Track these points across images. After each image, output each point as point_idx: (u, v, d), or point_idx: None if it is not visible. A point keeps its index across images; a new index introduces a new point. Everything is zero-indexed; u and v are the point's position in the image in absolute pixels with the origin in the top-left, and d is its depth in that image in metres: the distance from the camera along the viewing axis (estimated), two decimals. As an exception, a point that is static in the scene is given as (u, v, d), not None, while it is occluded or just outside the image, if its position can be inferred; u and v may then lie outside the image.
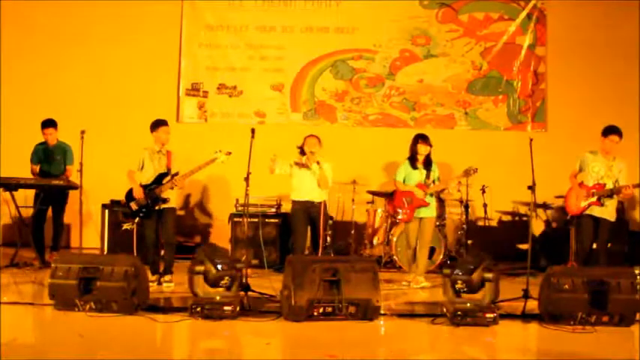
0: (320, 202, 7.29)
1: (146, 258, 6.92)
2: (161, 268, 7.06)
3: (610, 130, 6.92)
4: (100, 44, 9.67)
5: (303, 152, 7.41)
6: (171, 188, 6.96)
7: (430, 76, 9.70)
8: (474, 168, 7.22)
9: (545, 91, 9.62)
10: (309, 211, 7.33)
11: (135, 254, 7.43)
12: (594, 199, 6.87)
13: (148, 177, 7.02)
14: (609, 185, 6.86)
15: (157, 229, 7.06)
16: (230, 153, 6.98)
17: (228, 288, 5.75)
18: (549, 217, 9.00)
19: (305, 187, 7.32)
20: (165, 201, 6.98)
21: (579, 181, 7.04)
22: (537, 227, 8.93)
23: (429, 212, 7.27)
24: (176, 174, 6.98)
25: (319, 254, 7.22)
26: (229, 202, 8.65)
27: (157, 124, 7.11)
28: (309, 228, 7.42)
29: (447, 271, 5.80)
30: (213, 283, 5.72)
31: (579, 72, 9.45)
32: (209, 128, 9.69)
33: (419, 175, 7.22)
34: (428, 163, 7.25)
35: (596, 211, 6.91)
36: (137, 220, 7.10)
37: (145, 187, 6.97)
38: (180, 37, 9.82)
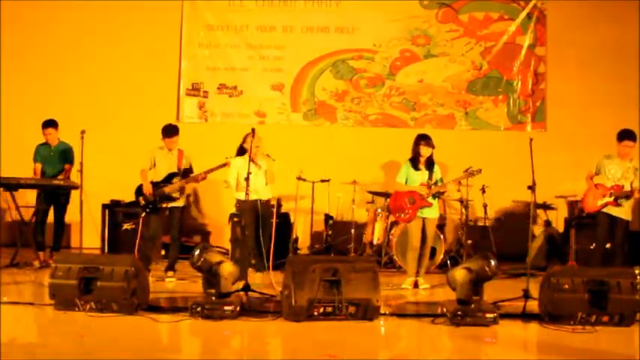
0: (267, 200, 7.29)
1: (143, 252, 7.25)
2: (165, 265, 7.41)
3: (623, 135, 7.04)
4: (100, 44, 9.68)
5: (244, 151, 7.16)
6: (197, 181, 7.35)
7: (430, 76, 9.71)
8: (477, 169, 7.20)
9: (545, 91, 9.62)
10: (257, 210, 7.05)
11: (136, 252, 7.48)
12: (611, 199, 6.96)
13: (159, 175, 7.35)
14: (627, 187, 6.95)
15: (159, 226, 7.37)
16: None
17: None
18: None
19: (251, 186, 6.63)
20: (172, 199, 7.28)
21: (596, 183, 7.13)
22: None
23: (432, 213, 7.23)
24: (189, 173, 7.35)
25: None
26: (229, 202, 8.65)
27: (167, 134, 7.34)
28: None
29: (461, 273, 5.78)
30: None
31: (579, 72, 9.45)
32: (209, 128, 9.69)
33: (421, 176, 7.15)
34: (430, 164, 7.19)
35: (614, 210, 7.01)
36: (143, 214, 7.36)
37: (154, 184, 7.28)
38: (180, 37, 9.82)
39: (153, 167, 7.38)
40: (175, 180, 7.31)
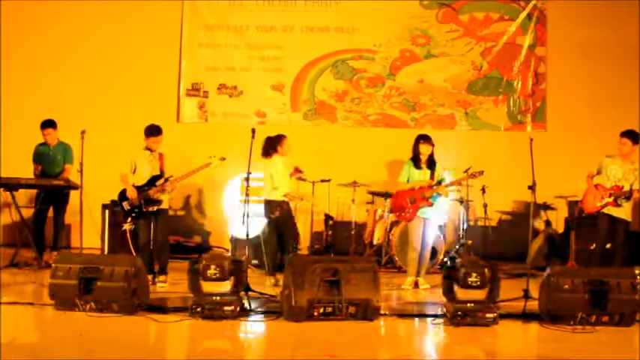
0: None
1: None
2: (156, 269, 7.08)
3: (623, 133, 7.06)
4: (100, 44, 9.68)
5: (274, 150, 7.30)
6: (162, 192, 6.99)
7: (430, 76, 9.71)
8: (479, 170, 7.20)
9: (545, 91, 9.62)
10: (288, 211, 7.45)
11: (134, 255, 7.40)
12: (611, 199, 6.98)
13: (141, 179, 7.06)
14: (626, 188, 6.95)
15: (149, 230, 7.08)
16: (224, 159, 7.07)
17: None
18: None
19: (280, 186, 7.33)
20: (157, 202, 7.02)
21: (596, 183, 7.11)
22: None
23: (433, 213, 7.24)
24: (168, 178, 7.03)
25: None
26: (229, 203, 8.66)
27: (151, 133, 7.06)
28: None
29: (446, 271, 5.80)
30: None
31: (579, 72, 9.46)
32: (209, 128, 9.70)
33: (422, 175, 7.15)
34: (431, 163, 7.19)
35: (614, 211, 7.01)
36: (129, 219, 7.10)
37: (137, 188, 7.01)
38: (180, 37, 9.83)
39: (133, 171, 7.08)
40: (159, 183, 7.02)
